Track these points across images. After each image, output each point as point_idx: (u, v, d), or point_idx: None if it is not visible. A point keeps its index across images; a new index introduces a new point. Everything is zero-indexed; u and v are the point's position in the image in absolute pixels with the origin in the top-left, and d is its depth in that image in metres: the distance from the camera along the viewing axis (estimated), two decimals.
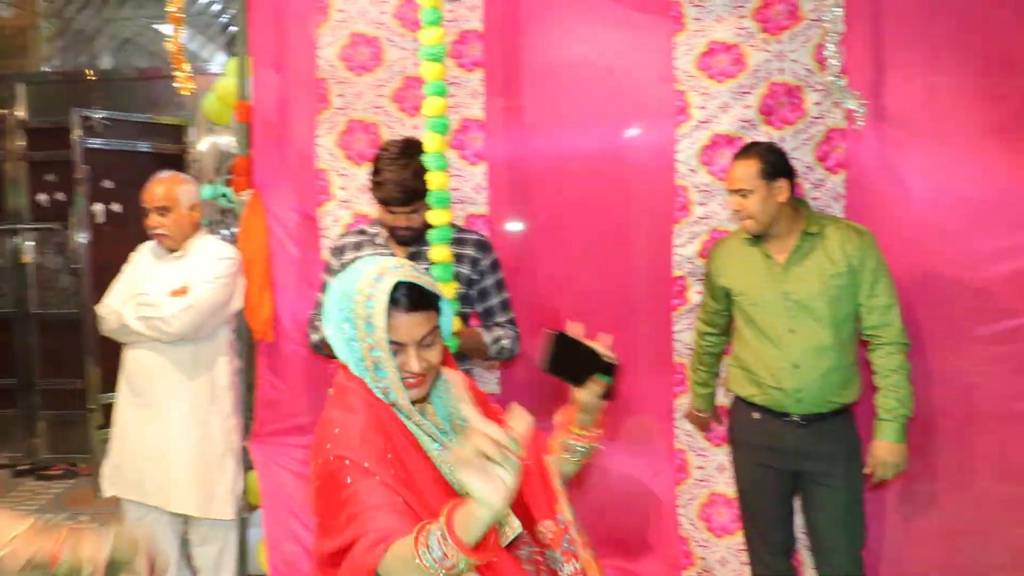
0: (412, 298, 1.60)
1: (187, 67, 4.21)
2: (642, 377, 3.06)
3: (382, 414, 1.61)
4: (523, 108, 3.05)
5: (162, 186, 3.22)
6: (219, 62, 5.79)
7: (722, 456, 3.03)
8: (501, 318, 2.77)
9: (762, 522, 2.78)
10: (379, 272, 1.60)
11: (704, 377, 2.95)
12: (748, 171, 2.58)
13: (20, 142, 5.89)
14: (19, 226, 5.88)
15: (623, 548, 3.20)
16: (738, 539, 3.02)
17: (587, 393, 1.71)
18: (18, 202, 5.90)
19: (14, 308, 5.96)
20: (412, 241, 2.68)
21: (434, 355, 1.65)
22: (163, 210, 3.20)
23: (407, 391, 1.61)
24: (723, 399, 2.97)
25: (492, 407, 1.83)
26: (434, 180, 2.51)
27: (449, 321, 1.73)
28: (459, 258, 2.69)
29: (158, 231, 3.23)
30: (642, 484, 3.20)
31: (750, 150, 2.64)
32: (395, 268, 1.62)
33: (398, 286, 1.58)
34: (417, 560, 1.28)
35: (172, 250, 3.26)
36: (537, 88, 3.05)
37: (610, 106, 3.02)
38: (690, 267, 3.01)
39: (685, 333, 3.04)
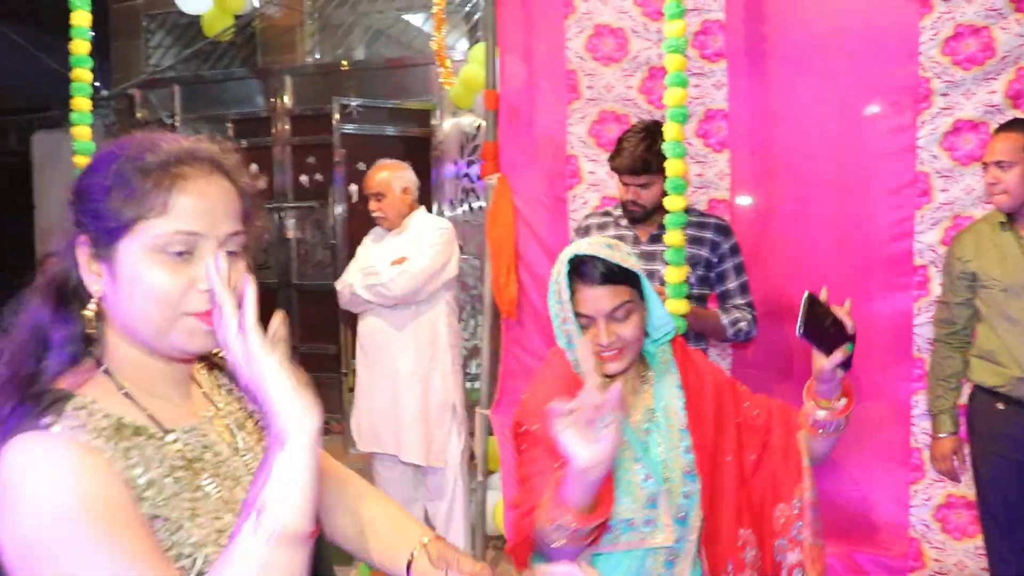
0: (599, 271, 1.64)
1: (449, 63, 4.59)
2: (879, 369, 3.01)
3: (573, 387, 1.53)
4: (765, 96, 3.08)
5: (376, 174, 3.68)
6: (461, 49, 6.13)
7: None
8: (739, 300, 2.85)
9: (1003, 516, 2.70)
10: (572, 249, 1.67)
11: (950, 397, 2.82)
12: (1012, 143, 2.53)
13: (286, 128, 6.51)
14: (284, 204, 6.49)
15: (847, 539, 3.16)
16: (978, 542, 2.91)
17: (830, 361, 1.62)
18: (283, 182, 6.51)
19: (278, 279, 6.61)
20: (644, 219, 2.82)
21: (627, 329, 1.66)
22: (378, 196, 3.66)
23: (601, 363, 1.65)
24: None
25: (740, 391, 1.86)
26: (672, 167, 2.61)
27: (652, 293, 1.74)
28: (699, 241, 2.80)
29: (375, 214, 3.69)
30: (872, 479, 3.13)
31: (1016, 123, 2.58)
32: (586, 243, 1.68)
33: (583, 260, 1.64)
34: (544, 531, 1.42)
35: (391, 228, 3.68)
36: (779, 76, 3.06)
37: (851, 92, 2.99)
38: (932, 256, 2.94)
39: (926, 327, 2.96)
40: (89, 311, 1.03)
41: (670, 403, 1.75)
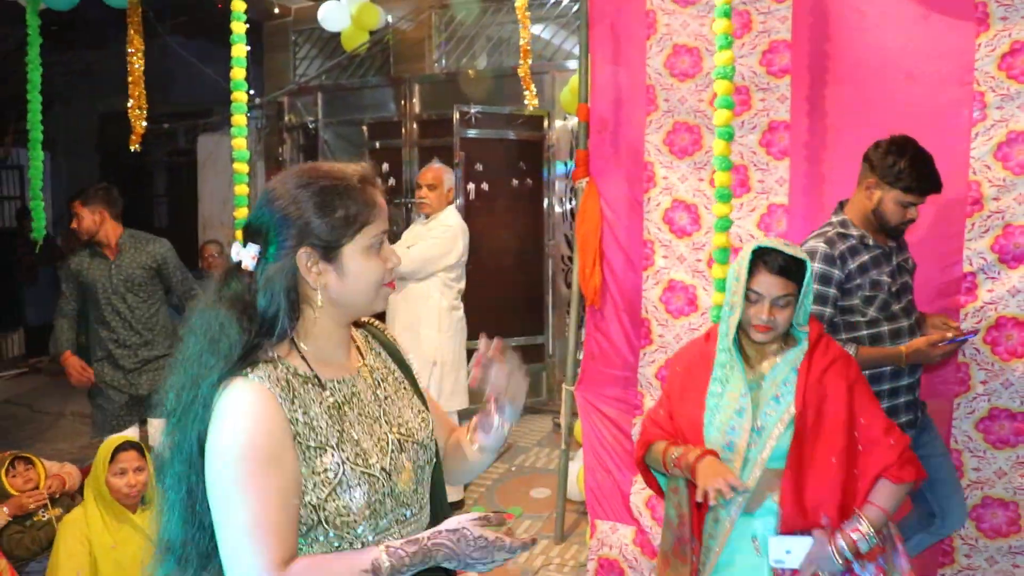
0: (778, 263, 2.11)
1: (534, 88, 5.25)
2: (925, 371, 3.05)
3: (705, 348, 2.27)
4: (825, 110, 3.31)
5: (432, 171, 4.60)
6: (576, 57, 6.50)
7: (1001, 460, 3.08)
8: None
9: None
10: (756, 242, 2.17)
11: None
12: None
13: (414, 130, 7.05)
14: (410, 200, 7.05)
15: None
16: (1013, 541, 3.06)
17: None
18: (411, 180, 7.05)
19: None
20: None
21: (783, 316, 2.14)
22: (431, 186, 4.57)
23: (755, 331, 2.15)
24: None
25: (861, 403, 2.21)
26: (719, 179, 2.95)
27: (810, 294, 2.20)
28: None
29: (422, 201, 4.59)
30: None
31: None
32: (769, 240, 2.19)
33: (768, 252, 2.13)
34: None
35: (429, 216, 4.59)
36: (839, 92, 3.28)
37: (907, 108, 3.16)
38: (981, 263, 3.07)
39: None
40: (320, 301, 1.43)
41: (778, 376, 2.20)
